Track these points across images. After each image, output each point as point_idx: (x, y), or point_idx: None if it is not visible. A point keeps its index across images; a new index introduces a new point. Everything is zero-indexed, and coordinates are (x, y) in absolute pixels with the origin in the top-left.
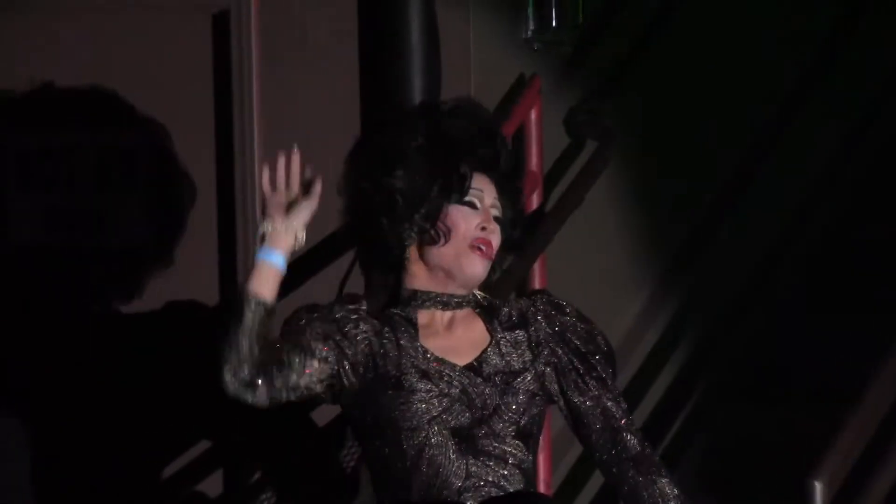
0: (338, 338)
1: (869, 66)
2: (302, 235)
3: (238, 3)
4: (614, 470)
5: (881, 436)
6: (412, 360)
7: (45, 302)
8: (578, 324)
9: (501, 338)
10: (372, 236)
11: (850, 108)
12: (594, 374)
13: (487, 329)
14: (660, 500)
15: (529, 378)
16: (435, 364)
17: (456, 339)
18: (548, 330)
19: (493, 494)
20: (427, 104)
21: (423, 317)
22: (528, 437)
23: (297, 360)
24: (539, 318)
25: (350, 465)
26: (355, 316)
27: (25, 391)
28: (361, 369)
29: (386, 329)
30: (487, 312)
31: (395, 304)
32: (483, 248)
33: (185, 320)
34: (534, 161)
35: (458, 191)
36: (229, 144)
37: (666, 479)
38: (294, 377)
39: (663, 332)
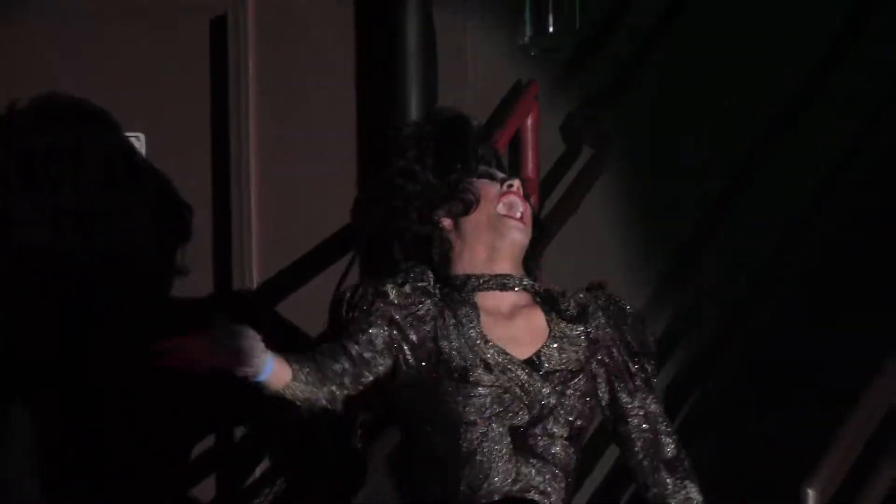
0: (400, 321)
1: (872, 67)
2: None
3: (235, 8)
4: (646, 470)
5: (875, 444)
6: (475, 348)
7: (47, 302)
8: (638, 324)
9: (560, 332)
10: (405, 225)
11: (853, 109)
12: (643, 376)
13: (547, 321)
14: None
15: (585, 380)
16: (497, 356)
17: (516, 328)
18: (607, 329)
19: (536, 499)
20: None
21: (482, 300)
22: (577, 439)
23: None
24: (599, 314)
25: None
26: (423, 297)
27: (25, 391)
28: (425, 353)
29: (447, 312)
30: (547, 303)
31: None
32: (515, 210)
33: (180, 320)
34: (530, 167)
35: (470, 166)
36: (226, 148)
37: (694, 484)
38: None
39: (660, 339)
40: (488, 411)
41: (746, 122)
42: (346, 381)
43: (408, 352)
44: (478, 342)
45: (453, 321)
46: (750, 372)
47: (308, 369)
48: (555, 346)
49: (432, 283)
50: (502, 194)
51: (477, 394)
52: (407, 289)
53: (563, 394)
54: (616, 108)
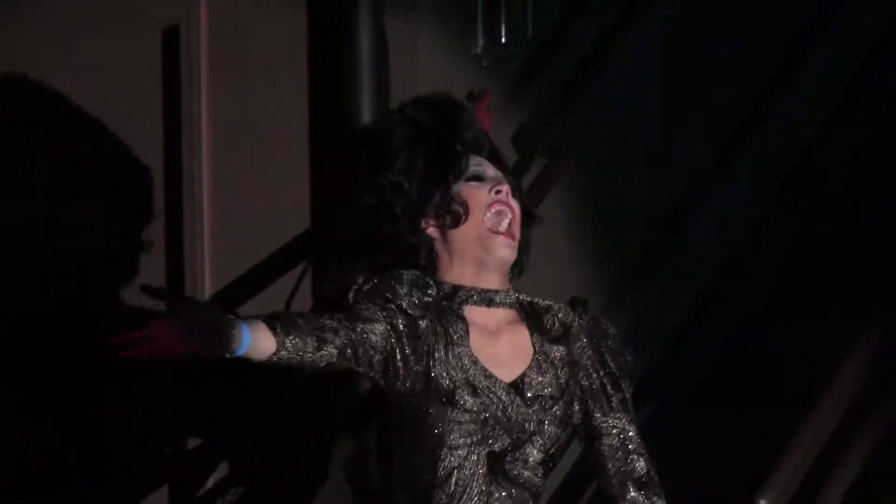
0: (402, 330)
1: (826, 73)
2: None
3: (188, 19)
4: (615, 488)
5: (828, 455)
6: (463, 368)
7: (46, 303)
8: (618, 345)
9: (544, 355)
10: (391, 236)
11: (843, 100)
12: (620, 397)
13: (532, 342)
14: None
15: (564, 405)
16: (484, 379)
17: (502, 348)
18: (588, 351)
19: None
20: (404, 102)
21: (469, 314)
22: (549, 463)
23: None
24: (582, 336)
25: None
26: (424, 311)
27: (26, 391)
28: (415, 369)
29: (439, 327)
30: (532, 320)
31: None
32: (502, 222)
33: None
34: None
35: (459, 168)
36: (178, 156)
37: (663, 502)
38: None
39: (647, 332)
40: (474, 437)
41: (701, 130)
42: (348, 350)
43: (399, 362)
44: (466, 362)
45: (444, 339)
46: (743, 367)
47: (298, 334)
48: (539, 369)
49: (430, 295)
50: (491, 203)
51: (463, 419)
52: (415, 300)
53: (542, 420)
54: (568, 118)
